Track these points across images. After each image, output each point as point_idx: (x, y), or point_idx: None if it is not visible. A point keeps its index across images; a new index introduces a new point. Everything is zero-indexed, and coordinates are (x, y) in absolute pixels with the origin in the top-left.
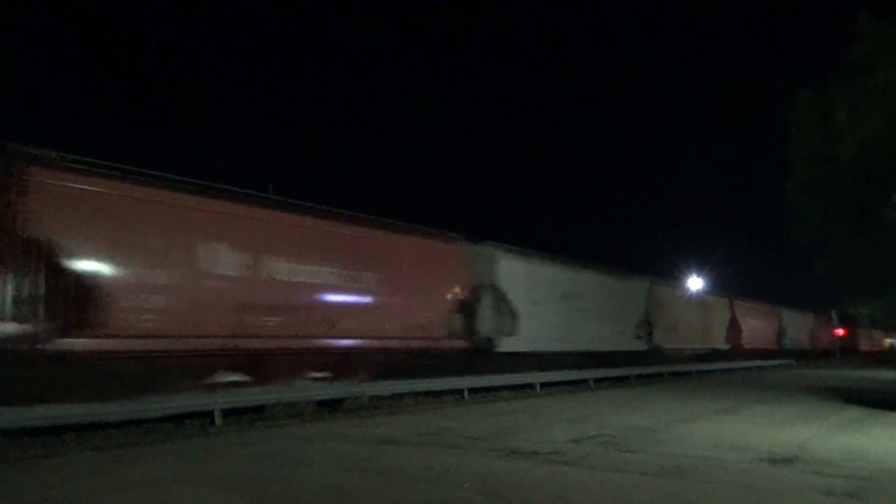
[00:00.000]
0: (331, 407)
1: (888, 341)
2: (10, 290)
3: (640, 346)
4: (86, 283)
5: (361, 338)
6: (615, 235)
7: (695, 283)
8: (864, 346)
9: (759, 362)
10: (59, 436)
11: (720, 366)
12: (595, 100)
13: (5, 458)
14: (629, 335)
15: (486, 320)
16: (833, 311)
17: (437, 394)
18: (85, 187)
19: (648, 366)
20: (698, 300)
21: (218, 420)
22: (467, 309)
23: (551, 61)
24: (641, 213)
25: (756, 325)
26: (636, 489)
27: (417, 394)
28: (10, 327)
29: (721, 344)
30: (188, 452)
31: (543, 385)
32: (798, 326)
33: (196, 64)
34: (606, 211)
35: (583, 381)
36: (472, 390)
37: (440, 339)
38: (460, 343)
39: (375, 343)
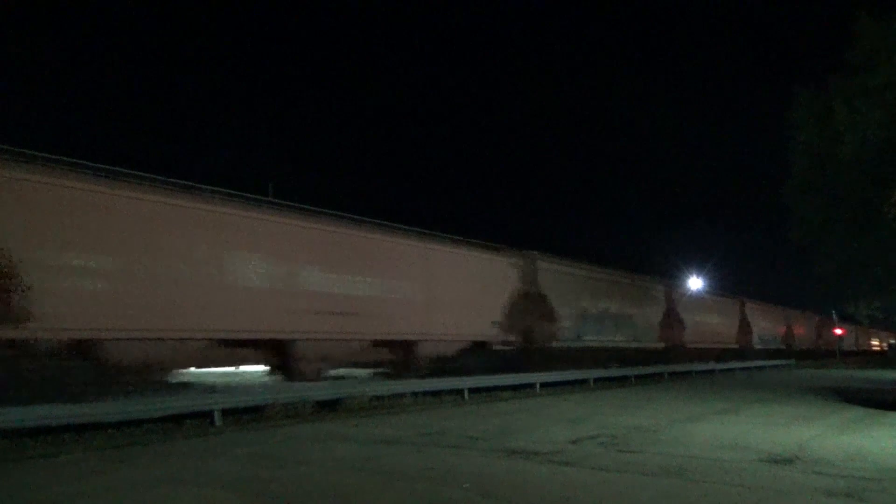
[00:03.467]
0: (330, 407)
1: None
2: None
3: (657, 343)
4: None
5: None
6: (615, 235)
7: (695, 282)
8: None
9: (759, 362)
10: (59, 436)
11: (721, 366)
12: (595, 100)
13: (5, 458)
14: (654, 335)
15: (537, 321)
16: (833, 311)
17: (437, 394)
18: None
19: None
20: (717, 303)
21: (218, 420)
22: (522, 311)
23: (551, 61)
24: (640, 213)
25: (765, 326)
26: (636, 489)
27: (417, 394)
28: None
29: (733, 344)
30: (188, 452)
31: (543, 385)
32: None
33: (196, 64)
34: (605, 211)
35: (583, 381)
36: (472, 390)
37: (499, 336)
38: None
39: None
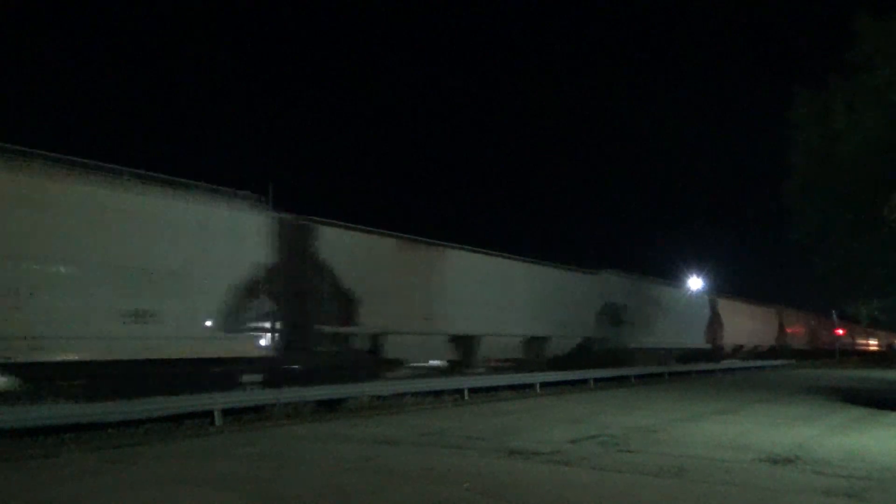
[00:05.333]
0: (330, 407)
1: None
2: None
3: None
4: None
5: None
6: (615, 236)
7: (695, 283)
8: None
9: (759, 362)
10: (59, 436)
11: (721, 366)
12: (594, 99)
13: (5, 458)
14: (702, 337)
15: (616, 327)
16: (833, 311)
17: (437, 394)
18: None
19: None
20: (752, 309)
21: (218, 420)
22: (609, 318)
23: (550, 62)
24: (639, 214)
25: (796, 329)
26: (636, 489)
27: (417, 394)
28: None
29: (767, 343)
30: (188, 452)
31: (543, 385)
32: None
33: (196, 63)
34: (604, 211)
35: (583, 381)
36: (473, 390)
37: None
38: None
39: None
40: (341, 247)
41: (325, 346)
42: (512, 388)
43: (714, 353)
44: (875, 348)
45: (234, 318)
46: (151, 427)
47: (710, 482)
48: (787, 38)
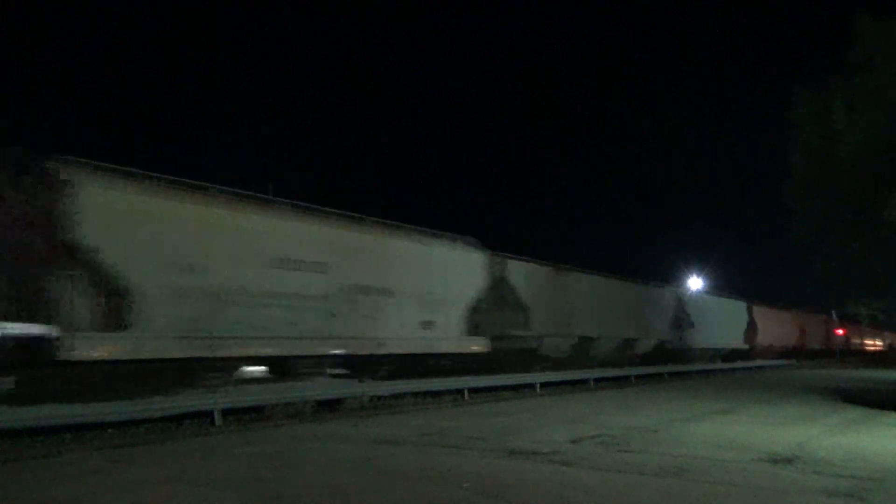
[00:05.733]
0: (330, 407)
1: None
2: None
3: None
4: None
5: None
6: (615, 236)
7: (695, 283)
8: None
9: (759, 361)
10: (59, 436)
11: (721, 366)
12: (594, 100)
13: (5, 458)
14: (742, 338)
15: (682, 331)
16: (833, 311)
17: (437, 394)
18: None
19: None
20: (779, 314)
21: (218, 420)
22: (676, 324)
23: (551, 61)
24: (640, 214)
25: (815, 331)
26: (636, 489)
27: (417, 394)
28: None
29: (792, 344)
30: (188, 452)
31: (543, 385)
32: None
33: (196, 63)
34: (603, 211)
35: (583, 381)
36: (473, 390)
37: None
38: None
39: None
40: (519, 273)
41: (512, 345)
42: (512, 388)
43: (751, 352)
44: (876, 348)
45: (469, 326)
46: (151, 427)
47: (711, 482)
48: (787, 38)
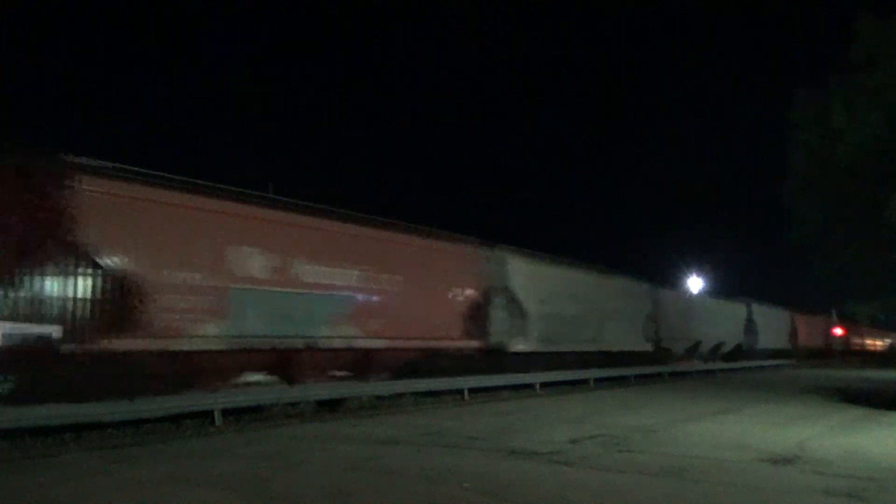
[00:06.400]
0: (331, 407)
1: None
2: None
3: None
4: None
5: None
6: (615, 236)
7: (694, 283)
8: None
9: (759, 361)
10: (59, 436)
11: (721, 366)
12: (593, 99)
13: (5, 458)
14: (785, 340)
15: (749, 335)
16: (833, 311)
17: (437, 394)
18: None
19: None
20: (813, 319)
21: (218, 420)
22: (747, 329)
23: (552, 61)
24: (639, 214)
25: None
26: (636, 489)
27: (417, 394)
28: None
29: (820, 345)
30: (188, 452)
31: (543, 385)
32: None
33: (197, 63)
34: (602, 211)
35: (583, 381)
36: (473, 390)
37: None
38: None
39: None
40: (668, 298)
41: (665, 345)
42: (512, 388)
43: (792, 352)
44: (876, 348)
45: (644, 334)
46: (152, 427)
47: (711, 482)
48: (787, 38)
